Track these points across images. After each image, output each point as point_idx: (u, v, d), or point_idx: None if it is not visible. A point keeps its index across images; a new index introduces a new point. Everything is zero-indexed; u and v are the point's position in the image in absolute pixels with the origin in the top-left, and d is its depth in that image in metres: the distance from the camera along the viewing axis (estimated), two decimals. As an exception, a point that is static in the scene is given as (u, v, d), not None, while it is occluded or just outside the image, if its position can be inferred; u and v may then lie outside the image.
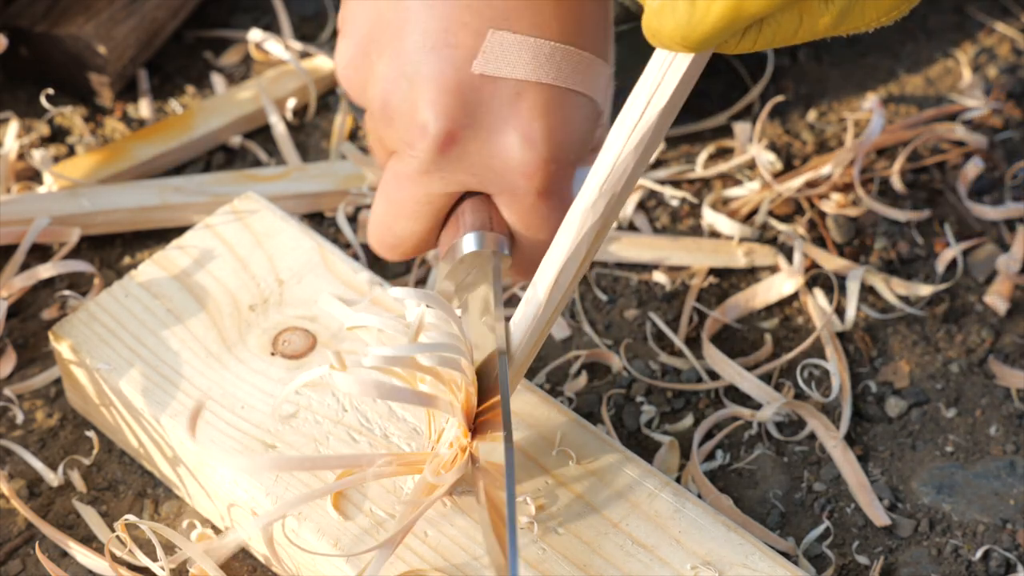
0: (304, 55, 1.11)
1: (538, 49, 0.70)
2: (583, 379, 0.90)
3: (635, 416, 0.89)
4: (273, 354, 0.82)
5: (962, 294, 0.97)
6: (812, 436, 0.88)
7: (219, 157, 1.05)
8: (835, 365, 0.90)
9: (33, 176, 1.02)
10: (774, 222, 1.00)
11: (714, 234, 1.00)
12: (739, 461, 0.87)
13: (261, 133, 1.07)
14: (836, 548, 0.83)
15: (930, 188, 1.03)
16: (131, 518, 0.78)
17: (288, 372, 0.81)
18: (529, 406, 0.80)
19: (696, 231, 1.00)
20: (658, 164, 1.05)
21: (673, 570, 0.73)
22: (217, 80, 1.10)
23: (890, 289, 0.96)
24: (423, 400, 0.70)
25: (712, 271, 0.97)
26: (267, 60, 1.11)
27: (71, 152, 1.05)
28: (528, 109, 0.70)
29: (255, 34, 1.10)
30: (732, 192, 1.02)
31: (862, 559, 0.83)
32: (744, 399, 0.90)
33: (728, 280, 0.97)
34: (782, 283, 0.95)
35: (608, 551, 0.74)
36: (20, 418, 0.88)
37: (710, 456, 0.87)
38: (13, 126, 1.02)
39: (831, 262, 0.97)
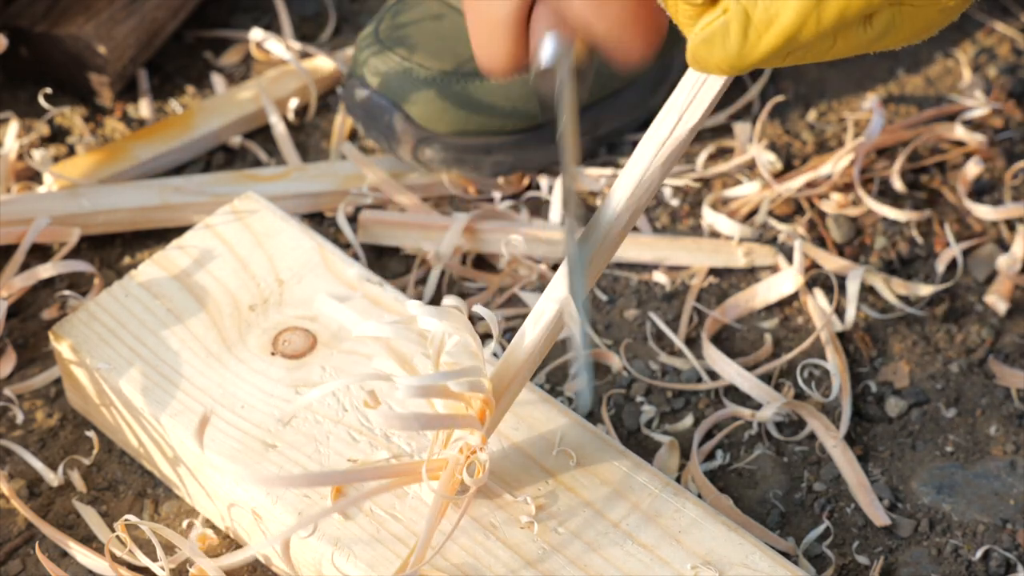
0: (304, 55, 1.11)
1: None
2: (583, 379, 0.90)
3: (635, 416, 0.89)
4: (273, 354, 0.82)
5: (962, 294, 0.97)
6: (812, 436, 0.88)
7: (219, 157, 1.05)
8: (835, 365, 0.90)
9: (33, 176, 1.02)
10: (774, 222, 1.00)
11: (714, 234, 1.00)
12: (739, 461, 0.87)
13: (261, 133, 1.07)
14: (836, 548, 0.83)
15: (930, 188, 1.03)
16: (131, 518, 0.78)
17: (288, 372, 0.81)
18: (529, 406, 0.80)
19: (696, 231, 1.00)
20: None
21: (673, 570, 0.73)
22: (217, 80, 1.10)
23: (890, 289, 0.96)
24: (454, 423, 0.71)
25: (712, 271, 0.97)
26: (267, 60, 1.11)
27: (71, 152, 1.05)
28: None
29: (255, 34, 1.10)
30: (732, 192, 1.02)
31: (862, 559, 0.83)
32: (744, 399, 0.90)
33: (728, 280, 0.97)
34: (782, 283, 0.95)
35: (608, 551, 0.74)
36: (20, 418, 0.88)
37: (710, 456, 0.87)
38: (13, 126, 1.02)
39: (831, 262, 0.97)
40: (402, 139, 0.98)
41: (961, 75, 1.11)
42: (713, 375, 0.91)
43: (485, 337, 0.91)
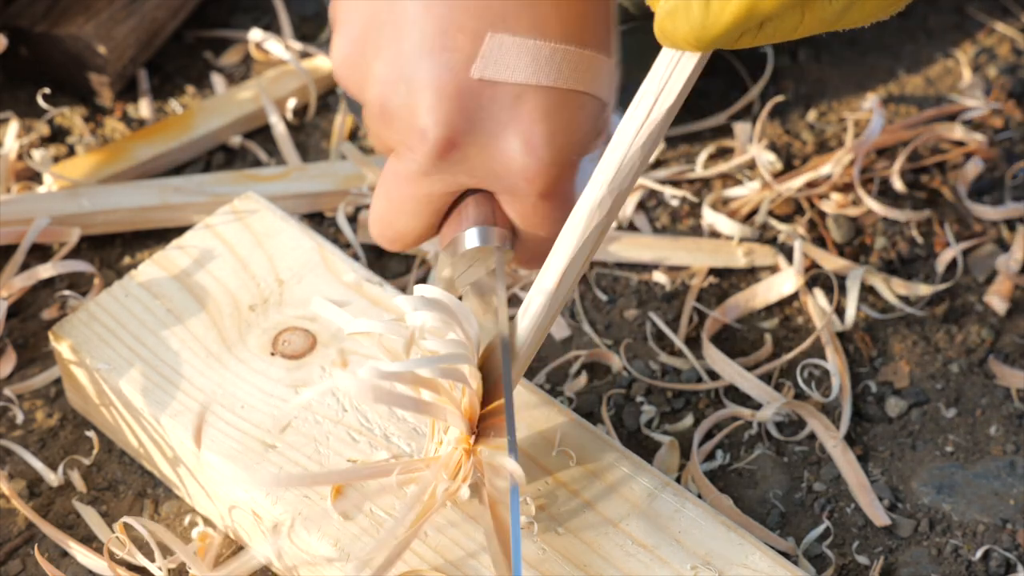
0: (304, 55, 1.11)
1: (538, 52, 0.69)
2: (583, 379, 0.90)
3: (635, 416, 0.89)
4: (273, 354, 0.82)
5: (962, 294, 0.97)
6: (812, 436, 0.88)
7: (219, 157, 1.05)
8: (835, 365, 0.90)
9: (33, 176, 1.02)
10: (774, 222, 1.00)
11: (714, 234, 1.00)
12: (739, 461, 0.87)
13: (261, 133, 1.07)
14: (836, 548, 0.83)
15: (930, 188, 1.03)
16: (130, 520, 0.78)
17: (288, 372, 0.81)
18: (529, 406, 0.80)
19: (696, 231, 1.00)
20: (658, 164, 1.05)
21: (673, 570, 0.73)
22: (217, 80, 1.10)
23: (890, 289, 0.96)
24: (422, 408, 0.70)
25: (712, 271, 0.97)
26: (267, 60, 1.11)
27: (71, 152, 1.05)
28: (529, 113, 0.70)
29: (255, 34, 1.10)
30: (732, 192, 1.02)
31: (862, 559, 0.82)
32: (744, 399, 0.90)
33: (728, 280, 0.97)
34: (782, 283, 0.95)
35: (608, 551, 0.74)
36: (20, 418, 0.88)
37: (710, 456, 0.87)
38: (13, 126, 1.02)
39: (831, 262, 0.97)
40: (402, 139, 0.98)
41: (961, 75, 1.11)
42: (713, 375, 0.91)
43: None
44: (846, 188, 1.02)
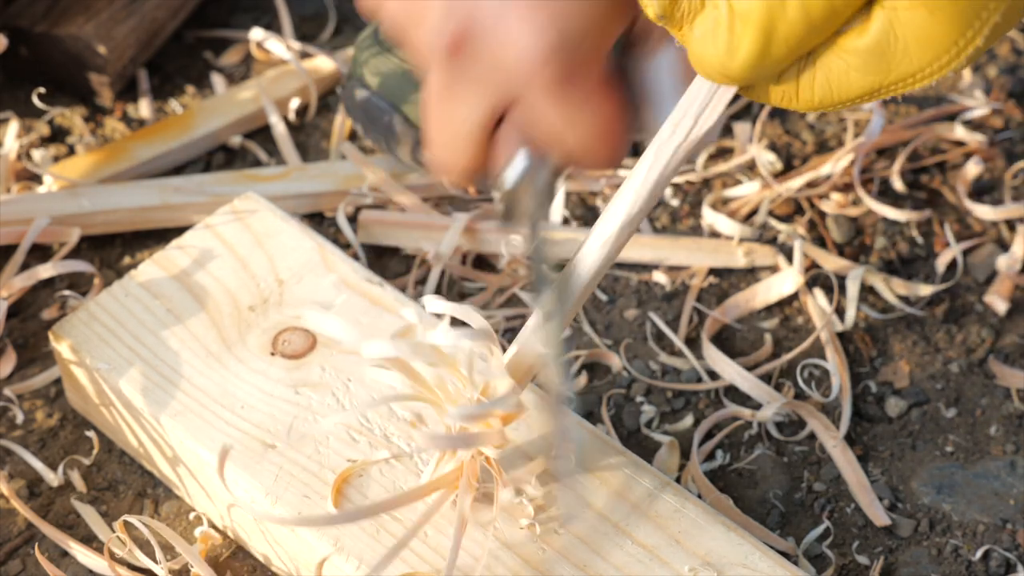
0: (304, 55, 1.11)
1: None
2: (583, 379, 0.90)
3: (635, 416, 0.89)
4: (273, 354, 0.82)
5: (962, 294, 0.97)
6: (812, 436, 0.88)
7: (219, 157, 1.05)
8: (835, 365, 0.90)
9: (33, 176, 1.02)
10: (774, 222, 1.00)
11: (714, 234, 1.00)
12: (739, 461, 0.87)
13: (261, 133, 1.07)
14: (836, 548, 0.83)
15: (930, 188, 1.03)
16: (131, 518, 0.78)
17: (288, 372, 0.81)
18: (529, 406, 0.80)
19: (696, 231, 1.00)
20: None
21: (673, 570, 0.73)
22: (217, 80, 1.10)
23: (890, 289, 0.96)
24: (487, 440, 0.72)
25: (712, 271, 0.97)
26: (267, 60, 1.11)
27: (71, 152, 1.05)
28: (520, 3, 0.68)
29: (255, 34, 1.10)
30: (732, 192, 1.02)
31: (862, 559, 0.82)
32: (744, 399, 0.90)
33: (728, 280, 0.97)
34: (782, 283, 0.95)
35: (608, 551, 0.74)
36: (20, 418, 0.88)
37: (710, 456, 0.87)
38: (13, 126, 1.02)
39: (831, 262, 0.97)
40: (402, 140, 0.98)
41: (961, 75, 1.11)
42: (713, 375, 0.91)
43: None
44: (846, 188, 1.02)
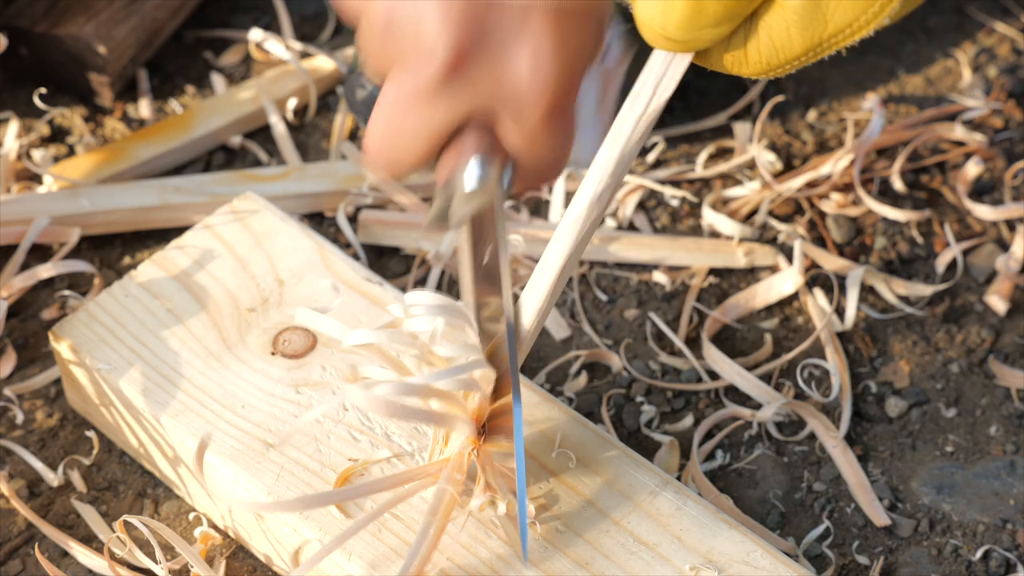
0: (304, 55, 1.11)
1: None
2: (583, 379, 0.90)
3: (635, 416, 0.89)
4: (273, 354, 0.82)
5: (962, 294, 0.97)
6: (812, 436, 0.88)
7: (219, 157, 1.05)
8: (835, 365, 0.90)
9: (33, 176, 1.02)
10: (774, 222, 1.00)
11: (714, 234, 1.00)
12: (739, 461, 0.87)
13: (261, 133, 1.07)
14: (836, 548, 0.83)
15: (930, 188, 1.03)
16: (131, 518, 0.78)
17: (289, 372, 0.81)
18: (530, 405, 0.80)
19: (696, 231, 1.00)
20: (658, 164, 1.05)
21: (675, 568, 0.73)
22: (217, 80, 1.10)
23: (890, 289, 0.96)
24: (435, 419, 0.71)
25: (712, 271, 0.97)
26: (267, 60, 1.11)
27: (71, 152, 1.05)
28: (537, 28, 0.69)
29: (255, 34, 1.10)
30: (732, 192, 1.02)
31: (862, 559, 0.82)
32: (744, 399, 0.90)
33: (728, 280, 0.97)
34: (782, 283, 0.95)
35: (610, 549, 0.74)
36: (20, 418, 0.88)
37: (710, 456, 0.87)
38: (13, 126, 1.02)
39: (831, 262, 0.97)
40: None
41: (961, 75, 1.11)
42: (713, 375, 0.91)
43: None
44: (846, 188, 1.02)
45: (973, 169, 1.02)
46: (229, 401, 0.80)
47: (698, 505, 0.76)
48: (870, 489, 0.85)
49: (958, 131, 1.04)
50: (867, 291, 0.96)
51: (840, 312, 0.95)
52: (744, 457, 0.87)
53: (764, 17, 0.64)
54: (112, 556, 0.80)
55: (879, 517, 0.84)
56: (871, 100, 1.07)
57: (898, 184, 1.02)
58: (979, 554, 0.83)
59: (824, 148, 1.06)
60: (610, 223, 1.00)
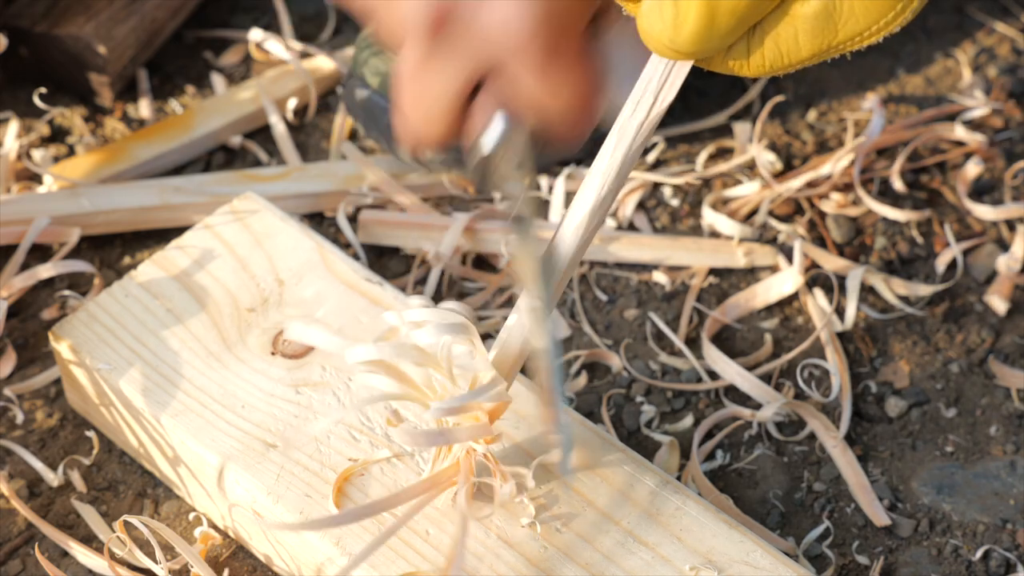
0: (304, 55, 1.11)
1: None
2: (583, 379, 0.90)
3: (635, 416, 0.89)
4: (273, 354, 0.82)
5: (962, 294, 0.97)
6: (812, 436, 0.88)
7: (219, 157, 1.05)
8: (835, 365, 0.90)
9: (33, 176, 1.02)
10: (774, 222, 1.00)
11: (714, 234, 1.00)
12: (739, 461, 0.87)
13: (261, 133, 1.07)
14: (836, 548, 0.83)
15: (930, 188, 1.03)
16: (131, 518, 0.78)
17: (289, 372, 0.81)
18: (530, 406, 0.80)
19: (696, 231, 1.00)
20: (658, 164, 1.05)
21: (675, 568, 0.73)
22: (217, 80, 1.10)
23: (890, 289, 0.96)
24: (473, 433, 0.72)
25: (712, 271, 0.97)
26: (267, 60, 1.11)
27: (71, 152, 1.05)
28: None
29: (255, 34, 1.10)
30: (732, 192, 1.02)
31: (862, 559, 0.83)
32: (744, 399, 0.90)
33: (728, 280, 0.97)
34: (782, 283, 0.95)
35: (610, 549, 0.74)
36: (20, 418, 0.88)
37: (710, 456, 0.87)
38: (13, 126, 1.02)
39: (831, 262, 0.97)
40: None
41: (961, 75, 1.11)
42: (713, 375, 0.91)
43: (485, 337, 0.91)
44: (846, 188, 1.02)
45: (973, 169, 1.02)
46: (229, 401, 0.80)
47: (698, 505, 0.76)
48: (870, 489, 0.85)
49: (958, 131, 1.04)
50: (867, 291, 0.96)
51: (840, 312, 0.95)
52: (744, 457, 0.87)
53: (771, 24, 0.63)
54: (112, 556, 0.80)
55: (879, 517, 0.84)
56: (871, 100, 1.07)
57: (898, 184, 1.02)
58: (979, 554, 0.83)
59: (824, 148, 1.06)
60: (610, 223, 1.00)
